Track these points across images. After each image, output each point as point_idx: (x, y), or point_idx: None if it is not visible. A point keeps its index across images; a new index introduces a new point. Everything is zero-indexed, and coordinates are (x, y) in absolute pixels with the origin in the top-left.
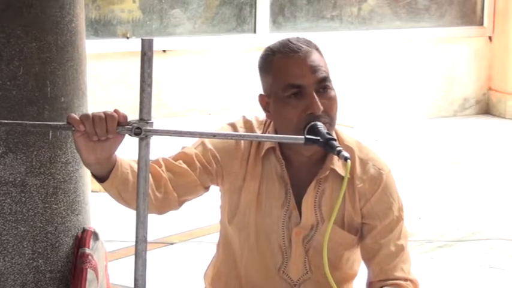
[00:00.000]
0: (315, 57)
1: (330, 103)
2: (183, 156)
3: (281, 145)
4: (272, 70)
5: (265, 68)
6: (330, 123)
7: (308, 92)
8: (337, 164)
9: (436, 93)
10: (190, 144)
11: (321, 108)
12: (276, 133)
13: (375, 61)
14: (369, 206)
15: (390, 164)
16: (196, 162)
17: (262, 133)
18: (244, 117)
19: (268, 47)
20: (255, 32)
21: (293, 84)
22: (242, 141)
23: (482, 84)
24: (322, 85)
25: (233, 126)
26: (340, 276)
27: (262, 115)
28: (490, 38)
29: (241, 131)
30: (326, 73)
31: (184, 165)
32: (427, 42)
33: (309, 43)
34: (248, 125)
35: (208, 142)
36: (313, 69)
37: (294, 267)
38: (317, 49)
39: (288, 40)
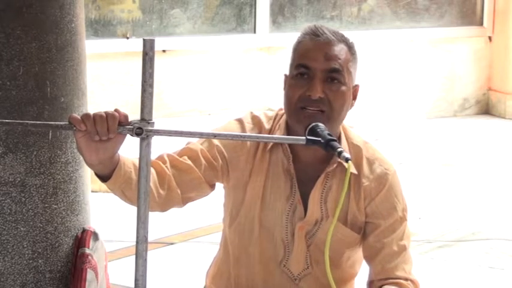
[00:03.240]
0: (336, 48)
1: (335, 95)
2: (188, 152)
3: None
4: (295, 49)
5: (293, 47)
6: (330, 113)
7: (314, 76)
8: None
9: (436, 93)
10: (195, 140)
11: (320, 93)
12: (287, 123)
13: (374, 61)
14: (373, 205)
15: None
16: (202, 158)
17: (272, 128)
18: (251, 112)
19: (303, 28)
20: (254, 32)
21: (303, 64)
22: None
23: (482, 84)
24: (332, 75)
25: (240, 122)
26: (340, 275)
27: (270, 113)
28: (489, 38)
29: (249, 126)
30: (340, 66)
31: (189, 161)
32: (427, 42)
33: (338, 36)
34: (256, 120)
35: None
36: (328, 57)
37: (295, 261)
38: (347, 44)
39: (319, 26)
